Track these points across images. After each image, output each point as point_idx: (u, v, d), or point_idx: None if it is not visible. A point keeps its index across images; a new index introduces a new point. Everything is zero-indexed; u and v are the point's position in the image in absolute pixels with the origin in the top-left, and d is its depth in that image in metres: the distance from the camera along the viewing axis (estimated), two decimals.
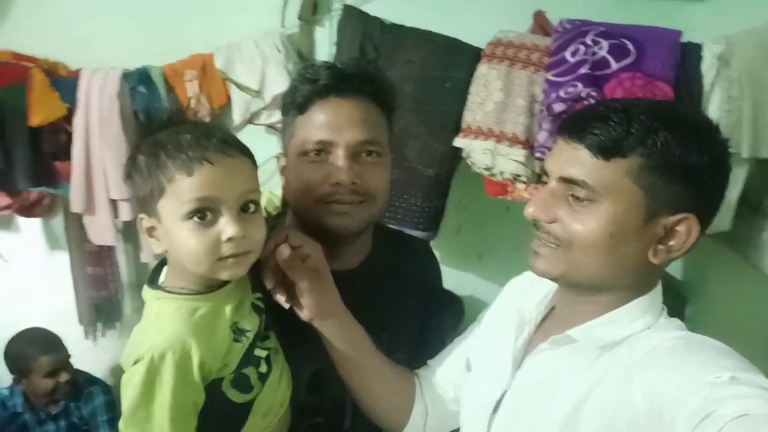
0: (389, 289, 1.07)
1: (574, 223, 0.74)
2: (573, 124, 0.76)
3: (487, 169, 1.84)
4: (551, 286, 0.91)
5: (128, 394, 0.73)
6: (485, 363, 0.95)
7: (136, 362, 0.74)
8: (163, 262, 0.86)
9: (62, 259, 2.38)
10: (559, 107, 1.65)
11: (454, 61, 1.85)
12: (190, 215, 0.73)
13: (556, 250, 0.77)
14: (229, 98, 2.12)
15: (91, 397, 2.14)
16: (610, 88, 1.63)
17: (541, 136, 1.72)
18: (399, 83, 1.84)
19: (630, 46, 1.64)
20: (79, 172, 2.05)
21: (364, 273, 1.06)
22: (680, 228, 0.73)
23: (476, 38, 1.88)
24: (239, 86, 2.05)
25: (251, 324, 0.85)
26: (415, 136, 1.90)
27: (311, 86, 0.93)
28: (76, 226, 2.28)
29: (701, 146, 0.71)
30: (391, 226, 1.96)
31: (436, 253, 2.45)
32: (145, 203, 0.77)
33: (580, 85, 1.62)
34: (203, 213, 0.74)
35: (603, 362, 0.76)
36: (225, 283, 0.82)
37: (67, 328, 2.35)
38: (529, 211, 0.78)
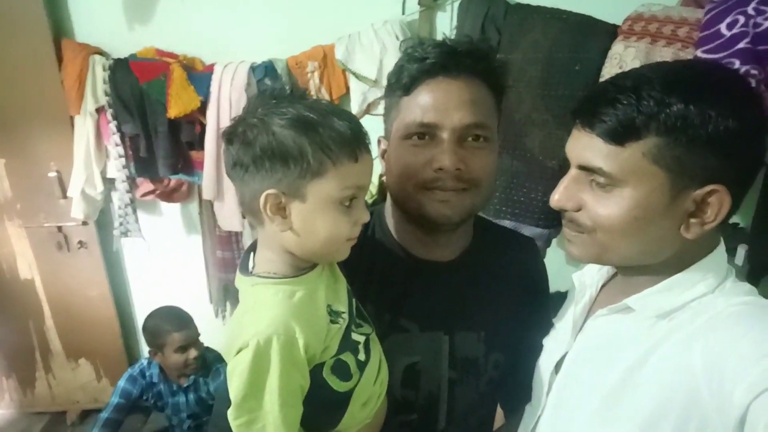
0: (488, 286, 1.01)
1: (599, 209, 0.73)
2: (583, 109, 0.73)
3: None
4: None
5: (236, 383, 0.72)
6: (554, 328, 0.98)
7: (239, 351, 0.73)
8: (250, 249, 0.85)
9: (197, 242, 2.57)
10: None
11: (585, 41, 1.68)
12: (345, 200, 0.75)
13: (585, 236, 0.77)
14: (348, 88, 2.13)
15: (219, 373, 2.26)
16: None
17: None
18: (523, 66, 1.72)
19: None
20: (211, 162, 2.18)
21: (462, 266, 1.00)
22: (711, 200, 0.69)
23: (613, 14, 1.69)
24: (358, 76, 2.05)
25: (344, 306, 0.83)
26: (538, 125, 1.76)
27: (419, 65, 0.87)
28: (208, 212, 2.44)
29: (724, 111, 0.65)
30: (508, 221, 1.88)
31: (562, 253, 2.32)
32: (284, 180, 0.72)
33: (737, 62, 1.39)
34: (352, 198, 0.76)
35: (663, 327, 0.74)
36: (313, 267, 0.81)
37: (199, 307, 2.53)
38: (555, 199, 0.78)
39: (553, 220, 1.86)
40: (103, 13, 2.22)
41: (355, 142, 0.73)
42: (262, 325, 0.72)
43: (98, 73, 2.16)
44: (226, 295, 2.63)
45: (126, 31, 2.24)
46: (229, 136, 0.75)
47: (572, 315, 0.89)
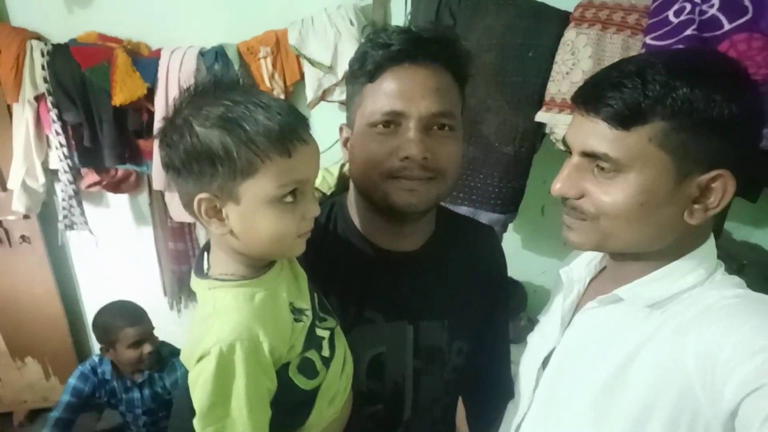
0: (451, 275, 1.01)
1: (602, 196, 0.72)
2: (587, 95, 0.73)
3: None
4: None
5: (200, 392, 0.69)
6: (541, 323, 0.98)
7: (200, 359, 0.70)
8: (204, 249, 0.82)
9: (148, 234, 2.49)
10: None
11: (538, 27, 1.69)
12: (286, 197, 0.71)
13: (587, 223, 0.75)
14: (302, 75, 2.09)
15: (174, 368, 2.21)
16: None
17: None
18: (477, 53, 1.71)
19: (746, 1, 1.42)
20: None
21: (426, 255, 0.99)
22: (715, 185, 0.69)
23: (565, 1, 1.71)
24: (312, 62, 2.01)
25: (306, 302, 0.82)
26: (493, 111, 1.77)
27: (384, 51, 0.85)
28: (159, 203, 2.37)
29: (727, 96, 0.65)
30: (465, 207, 1.89)
31: (518, 237, 2.36)
32: (213, 182, 0.69)
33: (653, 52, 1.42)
34: (294, 193, 0.72)
35: (654, 320, 0.74)
36: (271, 264, 0.79)
37: (153, 300, 2.46)
38: (556, 187, 0.76)
39: (510, 206, 1.88)
40: None
41: (285, 135, 0.69)
42: (224, 332, 0.69)
43: (36, 60, 2.05)
44: (181, 288, 2.57)
45: (65, 14, 2.12)
46: (161, 138, 0.72)
47: (560, 310, 0.88)
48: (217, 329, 0.70)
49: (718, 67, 0.69)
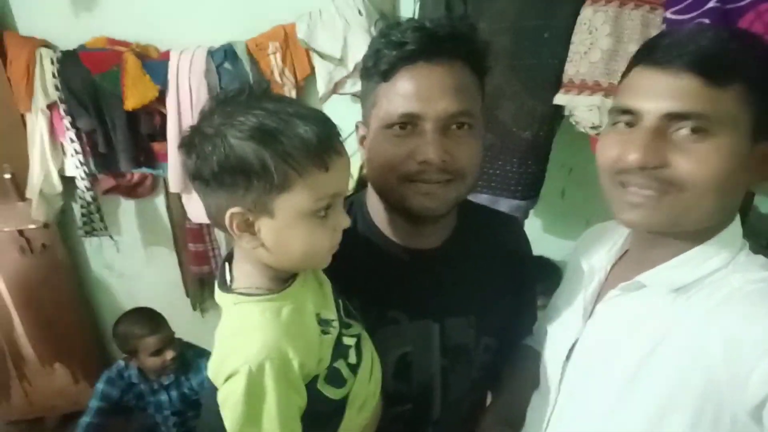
0: (475, 269, 0.98)
1: (690, 164, 0.66)
2: (671, 51, 0.66)
3: (594, 127, 1.64)
4: (623, 233, 0.87)
5: (231, 412, 0.68)
6: (560, 314, 0.94)
7: (228, 377, 0.68)
8: (226, 260, 0.80)
9: (167, 237, 2.49)
10: None
11: (552, 7, 1.64)
12: (320, 211, 0.70)
13: (664, 197, 0.68)
14: (312, 69, 2.06)
15: (200, 369, 2.21)
16: (746, 23, 1.37)
17: None
18: (490, 37, 1.67)
19: None
20: (175, 153, 2.10)
21: (448, 252, 0.97)
22: None
23: None
24: (321, 55, 1.98)
25: (332, 311, 0.80)
26: (509, 96, 1.73)
27: (398, 51, 0.82)
28: (176, 204, 2.36)
29: None
30: (484, 195, 1.85)
31: (539, 222, 2.32)
32: (247, 196, 0.67)
33: (707, 22, 1.37)
34: (328, 207, 0.71)
35: (678, 306, 0.71)
36: (295, 275, 0.77)
37: (176, 302, 2.47)
38: (632, 158, 0.68)
39: (530, 191, 1.85)
40: (45, 2, 2.09)
41: (322, 148, 0.67)
42: (252, 351, 0.67)
43: (47, 67, 2.05)
44: (203, 288, 2.58)
45: (72, 20, 2.11)
46: (186, 147, 0.69)
47: (582, 300, 0.86)
48: (245, 348, 0.68)
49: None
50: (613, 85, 1.56)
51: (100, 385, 2.10)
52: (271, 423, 0.68)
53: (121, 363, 2.14)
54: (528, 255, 1.10)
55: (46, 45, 2.09)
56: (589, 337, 0.84)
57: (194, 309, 2.62)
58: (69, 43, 2.10)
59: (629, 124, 0.71)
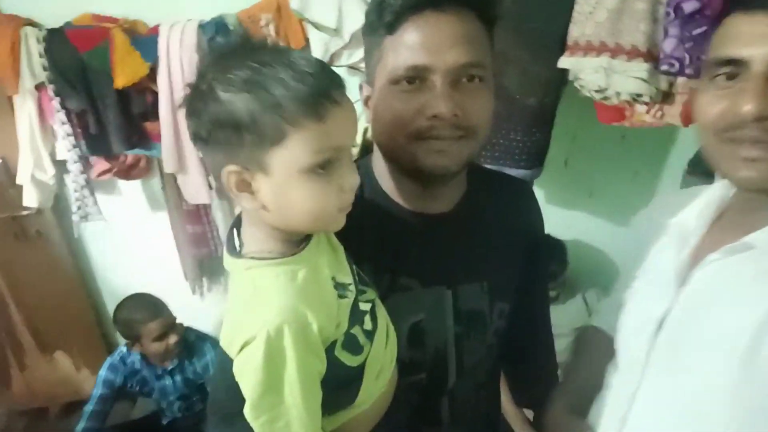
0: (487, 234, 0.95)
1: None
2: None
3: (600, 91, 1.60)
4: (716, 196, 0.81)
5: (250, 380, 0.65)
6: (642, 284, 0.86)
7: (244, 345, 0.65)
8: (234, 225, 0.76)
9: (163, 219, 2.45)
10: (690, 6, 1.36)
11: None
12: (319, 166, 0.65)
13: None
14: (307, 40, 2.00)
15: (203, 352, 2.20)
16: None
17: (668, 45, 1.45)
18: None
19: None
20: (168, 132, 2.05)
21: (460, 216, 0.94)
22: None
23: None
24: (316, 26, 1.93)
25: (348, 276, 0.77)
26: (512, 61, 1.68)
27: (403, 0, 0.78)
28: (172, 186, 2.31)
29: None
30: (488, 165, 1.81)
31: (541, 192, 2.28)
32: (241, 152, 0.64)
33: None
34: (328, 162, 0.66)
35: None
36: (308, 238, 0.73)
37: (174, 285, 2.44)
38: (747, 109, 0.63)
39: (535, 161, 1.81)
40: None
41: (316, 97, 0.63)
42: (269, 315, 0.64)
43: (32, 47, 1.98)
44: (202, 271, 2.55)
45: None
46: (186, 107, 0.67)
47: (674, 265, 0.79)
48: (261, 312, 0.65)
49: None
50: (620, 46, 1.52)
51: (102, 372, 2.09)
52: (293, 389, 0.65)
53: (124, 349, 2.12)
54: (539, 218, 1.08)
55: (31, 23, 2.02)
56: (685, 306, 0.77)
57: (193, 292, 2.59)
58: (54, 21, 2.03)
59: (730, 77, 0.66)
